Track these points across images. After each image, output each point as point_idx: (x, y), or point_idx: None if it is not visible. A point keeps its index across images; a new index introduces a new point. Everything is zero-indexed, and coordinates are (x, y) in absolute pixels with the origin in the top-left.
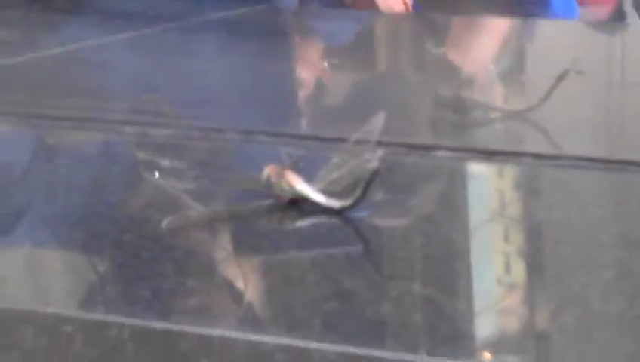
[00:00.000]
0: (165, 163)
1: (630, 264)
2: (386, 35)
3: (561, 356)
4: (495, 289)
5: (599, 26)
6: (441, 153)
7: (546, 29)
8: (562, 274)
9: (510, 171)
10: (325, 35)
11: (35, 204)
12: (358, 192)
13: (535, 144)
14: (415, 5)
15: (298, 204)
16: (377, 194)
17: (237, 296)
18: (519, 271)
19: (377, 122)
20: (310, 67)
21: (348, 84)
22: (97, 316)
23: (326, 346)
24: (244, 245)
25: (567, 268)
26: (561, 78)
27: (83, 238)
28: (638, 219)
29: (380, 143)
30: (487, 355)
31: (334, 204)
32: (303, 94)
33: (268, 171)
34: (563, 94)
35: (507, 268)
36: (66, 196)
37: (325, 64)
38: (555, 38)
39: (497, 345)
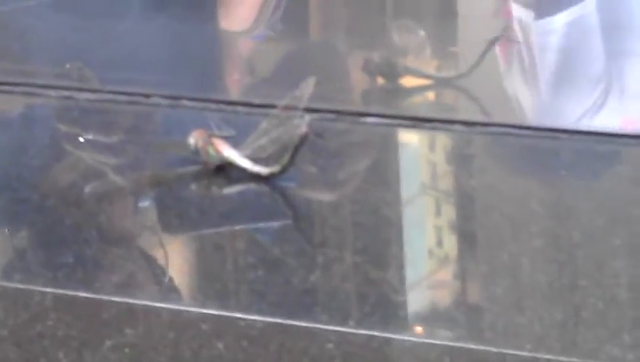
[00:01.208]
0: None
1: (559, 232)
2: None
3: (492, 326)
4: (426, 258)
5: None
6: (371, 120)
7: None
8: (493, 244)
9: (441, 139)
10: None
11: None
12: (285, 159)
13: (465, 112)
14: None
15: (225, 171)
16: (306, 161)
17: (162, 265)
18: (450, 240)
19: (306, 88)
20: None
21: (278, 50)
22: (18, 284)
23: (252, 316)
24: (169, 212)
25: (498, 237)
26: (492, 44)
27: (4, 203)
28: (568, 187)
29: (308, 110)
30: (418, 328)
31: (262, 170)
32: (231, 59)
33: (195, 136)
34: (494, 61)
35: (438, 239)
36: None
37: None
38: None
39: (428, 316)
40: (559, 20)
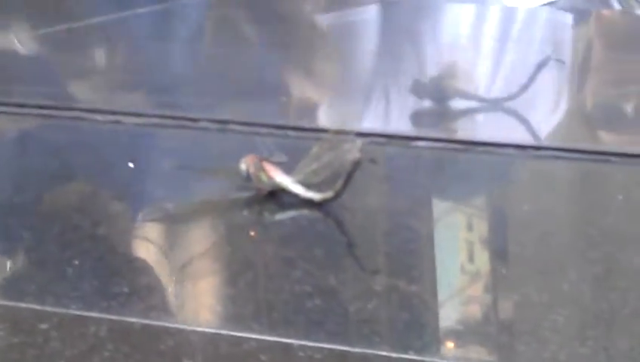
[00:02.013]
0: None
1: (619, 258)
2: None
3: (554, 357)
4: (486, 286)
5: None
6: (422, 143)
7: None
8: (552, 271)
9: (492, 162)
10: None
11: (1, 193)
12: (339, 184)
13: (516, 134)
14: None
15: (277, 196)
16: (358, 186)
17: (218, 292)
18: (508, 267)
19: (357, 112)
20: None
21: (324, 74)
22: (75, 312)
23: (310, 344)
24: (223, 239)
25: (558, 264)
26: (541, 66)
27: (57, 231)
28: (622, 211)
29: (359, 133)
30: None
31: (315, 196)
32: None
33: (246, 162)
34: (543, 83)
35: (491, 266)
36: (38, 187)
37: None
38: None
39: (489, 347)
40: None
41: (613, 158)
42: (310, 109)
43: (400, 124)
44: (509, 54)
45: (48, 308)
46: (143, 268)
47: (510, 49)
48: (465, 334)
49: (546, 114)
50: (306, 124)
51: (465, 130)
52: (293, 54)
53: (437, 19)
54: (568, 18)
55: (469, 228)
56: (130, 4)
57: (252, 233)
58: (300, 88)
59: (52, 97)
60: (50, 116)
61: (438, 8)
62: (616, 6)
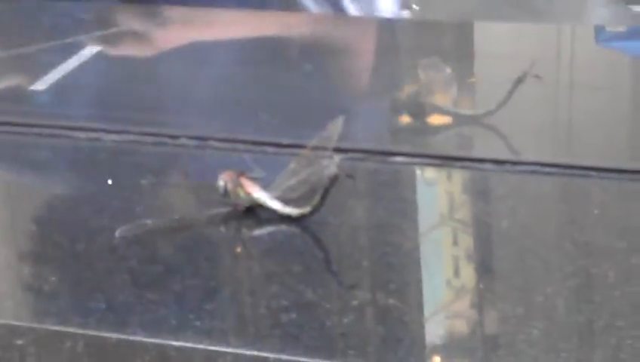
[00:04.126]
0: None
1: (594, 272)
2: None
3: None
4: (464, 303)
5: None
6: (400, 159)
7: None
8: (528, 284)
9: (470, 177)
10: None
11: None
12: (316, 200)
13: (494, 149)
14: None
15: (255, 212)
16: (336, 202)
17: (194, 307)
18: (484, 281)
19: (335, 127)
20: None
21: (303, 88)
22: (51, 327)
23: (286, 357)
24: (200, 254)
25: (533, 277)
26: (518, 81)
27: (35, 247)
28: (598, 226)
29: (336, 149)
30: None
31: (292, 211)
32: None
33: (224, 178)
34: (520, 98)
35: (466, 278)
36: (17, 203)
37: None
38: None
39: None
40: None
41: (591, 173)
42: (288, 125)
43: (378, 139)
44: (487, 69)
45: (24, 324)
46: (120, 283)
47: (488, 64)
48: (440, 348)
49: (523, 129)
50: (283, 139)
51: (442, 145)
52: (270, 70)
53: (415, 35)
54: (550, 32)
55: (452, 241)
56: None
57: (238, 249)
58: (277, 103)
59: (31, 114)
60: (29, 134)
61: (416, 25)
62: None
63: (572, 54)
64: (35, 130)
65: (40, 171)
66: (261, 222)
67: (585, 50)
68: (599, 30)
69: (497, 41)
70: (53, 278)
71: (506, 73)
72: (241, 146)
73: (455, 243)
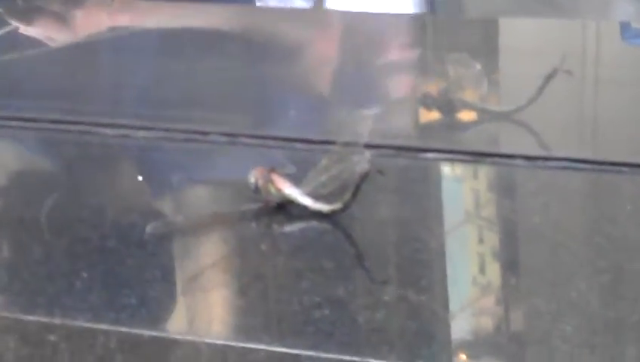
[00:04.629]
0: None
1: (627, 268)
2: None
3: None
4: (495, 296)
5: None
6: (431, 155)
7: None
8: (561, 280)
9: (502, 173)
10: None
11: (12, 207)
12: (347, 196)
13: (525, 146)
14: None
15: (286, 208)
16: (367, 198)
17: (226, 304)
18: (517, 277)
19: (366, 123)
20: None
21: (335, 83)
22: (83, 324)
23: (319, 354)
24: (231, 251)
25: (566, 273)
26: (549, 77)
27: (65, 244)
28: (631, 221)
29: (367, 145)
30: (463, 357)
31: (323, 207)
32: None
33: (255, 175)
34: (550, 93)
35: (497, 274)
36: (46, 200)
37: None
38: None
39: (497, 356)
40: None
41: (623, 168)
42: (318, 121)
43: (409, 135)
44: (518, 66)
45: (57, 320)
46: (152, 280)
47: (518, 60)
48: (474, 344)
49: (554, 125)
50: (314, 136)
51: (473, 141)
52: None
53: (445, 31)
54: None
55: (480, 239)
56: None
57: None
58: (307, 100)
59: (63, 111)
60: (58, 130)
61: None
62: None
63: (597, 51)
64: (62, 126)
65: (70, 168)
66: (292, 219)
67: (611, 46)
68: (625, 27)
69: (523, 37)
70: (85, 274)
71: (532, 69)
72: (271, 142)
73: (481, 241)
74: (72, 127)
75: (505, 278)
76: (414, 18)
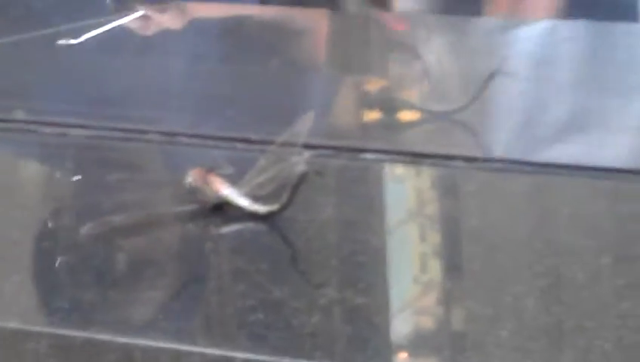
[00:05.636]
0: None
1: (564, 272)
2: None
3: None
4: (433, 301)
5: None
6: (370, 155)
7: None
8: (496, 284)
9: (440, 174)
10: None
11: None
12: (284, 197)
13: (465, 147)
14: None
15: (223, 209)
16: (304, 199)
17: (160, 306)
18: (453, 280)
19: (305, 123)
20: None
21: (273, 83)
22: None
23: (254, 357)
24: (167, 252)
25: (502, 277)
26: (490, 78)
27: None
28: (569, 225)
29: (306, 145)
30: (403, 356)
31: (260, 208)
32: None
33: (192, 175)
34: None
35: (433, 275)
36: None
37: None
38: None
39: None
40: None
41: (561, 171)
42: (258, 121)
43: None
44: (458, 66)
45: None
46: (85, 282)
47: (459, 60)
48: (409, 349)
49: (494, 126)
50: (252, 135)
51: (413, 141)
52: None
53: (387, 30)
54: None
55: (420, 240)
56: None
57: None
58: (248, 100)
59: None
60: None
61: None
62: None
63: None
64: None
65: (5, 167)
66: (229, 220)
67: (551, 46)
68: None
69: (471, 36)
70: (17, 277)
71: (478, 69)
72: (209, 142)
73: (422, 241)
74: (8, 125)
75: (442, 282)
76: (356, 15)
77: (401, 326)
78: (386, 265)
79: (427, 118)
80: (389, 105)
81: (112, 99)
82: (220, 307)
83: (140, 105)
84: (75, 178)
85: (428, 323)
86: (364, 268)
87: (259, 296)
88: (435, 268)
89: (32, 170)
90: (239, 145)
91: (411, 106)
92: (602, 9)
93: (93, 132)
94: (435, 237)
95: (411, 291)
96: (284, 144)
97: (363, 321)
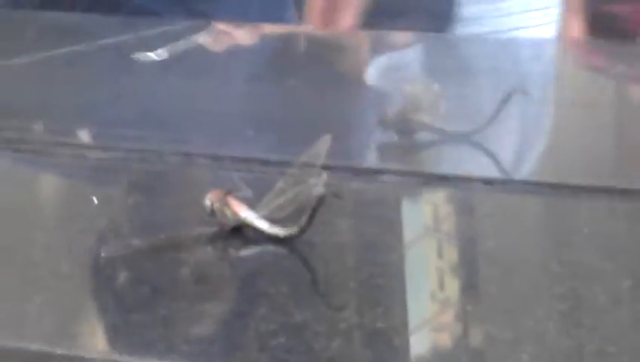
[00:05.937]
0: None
1: (585, 295)
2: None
3: None
4: (452, 325)
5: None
6: (388, 177)
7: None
8: (517, 307)
9: (458, 196)
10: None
11: None
12: (303, 220)
13: (482, 168)
14: None
15: (242, 232)
16: (323, 222)
17: (181, 330)
18: (470, 302)
19: (323, 145)
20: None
21: (291, 106)
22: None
23: None
24: (186, 275)
25: (522, 300)
26: (506, 99)
27: (17, 268)
28: (589, 247)
29: (324, 167)
30: None
31: (279, 231)
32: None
33: (210, 198)
34: (508, 115)
35: (452, 298)
36: None
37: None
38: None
39: None
40: None
41: (581, 193)
42: (276, 142)
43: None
44: (475, 87)
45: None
46: (105, 305)
47: (476, 81)
48: None
49: (512, 147)
50: (271, 157)
51: (431, 163)
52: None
53: (402, 51)
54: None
55: (439, 258)
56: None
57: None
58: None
59: (13, 130)
60: (10, 149)
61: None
62: None
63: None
64: (14, 146)
65: (22, 189)
66: (248, 243)
67: (569, 67)
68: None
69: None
70: (38, 299)
71: (494, 89)
72: (227, 164)
73: (442, 258)
74: (24, 147)
75: (461, 305)
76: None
77: (421, 349)
78: (405, 288)
79: (444, 140)
80: (406, 126)
81: (131, 120)
82: (241, 331)
83: (159, 125)
84: (94, 199)
85: (447, 346)
86: (383, 291)
87: (280, 319)
88: (454, 289)
89: (51, 191)
90: (258, 168)
91: (428, 128)
92: None
93: (110, 154)
94: (453, 258)
95: (431, 314)
96: (302, 165)
97: (383, 345)
